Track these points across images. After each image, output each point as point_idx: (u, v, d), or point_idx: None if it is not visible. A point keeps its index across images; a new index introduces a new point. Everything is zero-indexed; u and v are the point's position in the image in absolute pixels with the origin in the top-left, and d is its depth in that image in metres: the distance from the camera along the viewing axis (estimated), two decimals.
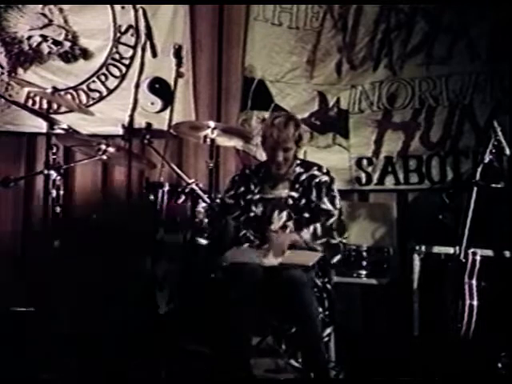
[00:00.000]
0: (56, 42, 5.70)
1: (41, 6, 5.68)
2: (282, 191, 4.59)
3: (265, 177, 4.63)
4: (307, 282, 4.28)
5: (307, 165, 4.66)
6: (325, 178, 4.59)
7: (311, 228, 4.48)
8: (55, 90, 4.99)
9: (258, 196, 4.59)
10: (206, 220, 4.69)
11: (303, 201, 4.55)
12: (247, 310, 4.22)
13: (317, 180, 4.58)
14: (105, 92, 5.78)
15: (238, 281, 4.28)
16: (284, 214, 4.55)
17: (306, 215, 4.54)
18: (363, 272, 5.20)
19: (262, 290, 4.25)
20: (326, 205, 4.54)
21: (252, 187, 4.62)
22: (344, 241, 4.59)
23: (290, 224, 4.53)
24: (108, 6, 5.72)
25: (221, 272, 4.51)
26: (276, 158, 4.52)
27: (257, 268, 4.30)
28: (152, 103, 5.69)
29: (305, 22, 5.76)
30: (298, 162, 4.63)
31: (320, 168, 4.64)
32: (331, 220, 4.52)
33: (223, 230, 4.66)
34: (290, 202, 4.56)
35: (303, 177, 4.59)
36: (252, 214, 4.57)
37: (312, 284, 4.33)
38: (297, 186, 4.58)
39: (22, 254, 5.66)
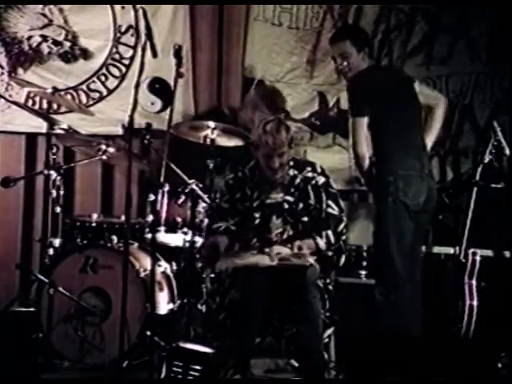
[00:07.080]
0: (56, 42, 5.70)
1: (41, 6, 5.68)
2: (278, 195, 4.53)
3: (260, 181, 4.57)
4: (314, 280, 4.28)
5: (300, 165, 4.59)
6: (322, 180, 4.55)
7: (324, 236, 4.45)
8: (55, 90, 5.00)
9: (256, 203, 4.54)
10: (206, 220, 4.69)
11: (301, 205, 4.50)
12: (252, 310, 4.22)
13: (313, 182, 4.54)
14: (105, 92, 5.78)
15: (242, 281, 4.28)
16: (281, 219, 4.51)
17: (305, 219, 4.50)
18: (363, 272, 5.20)
19: (267, 289, 4.25)
20: (333, 208, 4.50)
21: (249, 193, 4.56)
22: (344, 237, 4.56)
23: (288, 228, 4.50)
24: (108, 6, 5.71)
25: (223, 272, 4.51)
26: (272, 165, 4.47)
27: (262, 268, 4.28)
28: (152, 103, 5.68)
29: (305, 22, 5.76)
30: (291, 163, 4.57)
31: (314, 167, 4.58)
32: (342, 225, 4.50)
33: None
34: (286, 206, 4.52)
35: (298, 180, 4.54)
36: (253, 222, 4.53)
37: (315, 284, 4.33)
38: (292, 189, 4.53)
39: (22, 255, 5.67)
